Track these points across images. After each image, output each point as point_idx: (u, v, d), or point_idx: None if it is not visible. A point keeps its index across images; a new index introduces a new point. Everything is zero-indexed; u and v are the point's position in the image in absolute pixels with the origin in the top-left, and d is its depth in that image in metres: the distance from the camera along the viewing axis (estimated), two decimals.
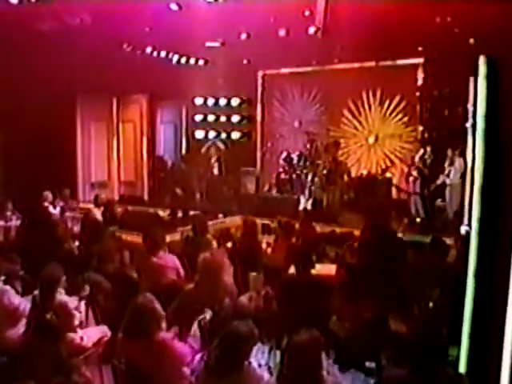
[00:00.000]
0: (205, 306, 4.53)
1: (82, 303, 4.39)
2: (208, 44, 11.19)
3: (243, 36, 10.68)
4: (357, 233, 8.30)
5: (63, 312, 4.16)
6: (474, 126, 3.08)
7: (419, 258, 6.06)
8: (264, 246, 7.31)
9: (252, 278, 5.32)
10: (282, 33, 10.66)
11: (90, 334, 4.38)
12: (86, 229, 6.81)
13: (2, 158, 10.42)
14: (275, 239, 7.18)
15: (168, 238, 7.84)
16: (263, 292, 4.98)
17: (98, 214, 9.15)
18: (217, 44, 11.15)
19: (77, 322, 4.25)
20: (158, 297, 5.08)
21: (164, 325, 3.45)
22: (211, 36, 11.07)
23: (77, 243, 6.72)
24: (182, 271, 5.50)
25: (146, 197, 12.29)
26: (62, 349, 3.93)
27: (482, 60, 3.01)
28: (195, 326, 3.84)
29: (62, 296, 4.32)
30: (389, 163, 11.78)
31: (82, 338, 4.29)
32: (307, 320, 4.28)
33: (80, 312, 4.37)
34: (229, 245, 7.04)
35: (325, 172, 10.00)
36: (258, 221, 8.96)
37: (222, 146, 12.27)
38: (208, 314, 3.91)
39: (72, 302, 4.31)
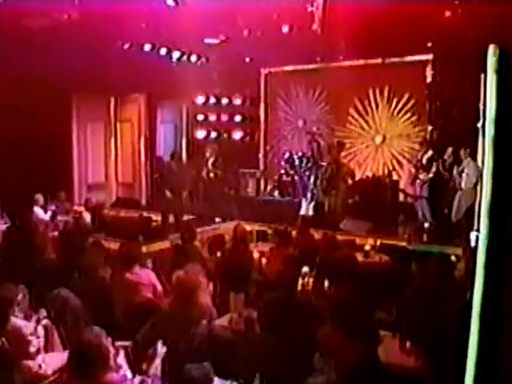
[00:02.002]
0: (179, 331, 4.14)
1: (40, 327, 3.98)
2: (207, 41, 10.80)
3: (245, 33, 10.32)
4: (359, 241, 7.88)
5: (17, 338, 3.76)
6: (484, 126, 2.51)
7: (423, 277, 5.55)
8: (257, 255, 6.89)
9: (233, 298, 4.86)
10: (285, 29, 10.29)
11: (51, 361, 3.97)
12: (64, 237, 6.40)
13: None
14: (271, 249, 6.74)
15: (157, 246, 7.57)
16: (246, 313, 4.55)
17: (88, 218, 8.81)
18: (216, 41, 10.77)
19: (33, 349, 3.83)
20: (130, 317, 4.81)
21: (114, 363, 3.01)
22: (212, 33, 10.72)
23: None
24: (159, 288, 5.07)
25: (143, 199, 11.91)
26: (17, 378, 3.57)
27: (491, 51, 2.44)
28: (157, 362, 3.40)
29: (16, 320, 3.92)
30: (396, 165, 11.29)
31: (40, 366, 3.89)
32: (291, 352, 3.86)
33: (38, 337, 3.95)
34: (219, 254, 6.65)
35: (326, 175, 9.50)
36: (256, 227, 8.61)
37: (218, 146, 11.78)
38: (161, 348, 3.46)
39: (27, 326, 3.90)
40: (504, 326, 2.35)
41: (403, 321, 4.76)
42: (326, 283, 5.54)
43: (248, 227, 8.64)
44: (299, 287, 5.62)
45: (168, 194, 10.95)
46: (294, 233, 7.33)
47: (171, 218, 8.83)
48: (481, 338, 2.33)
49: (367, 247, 6.95)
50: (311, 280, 5.53)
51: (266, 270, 5.77)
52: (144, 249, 7.24)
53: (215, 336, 3.94)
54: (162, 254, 6.95)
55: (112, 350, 2.96)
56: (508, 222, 2.43)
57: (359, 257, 6.85)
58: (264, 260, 6.61)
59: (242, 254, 6.15)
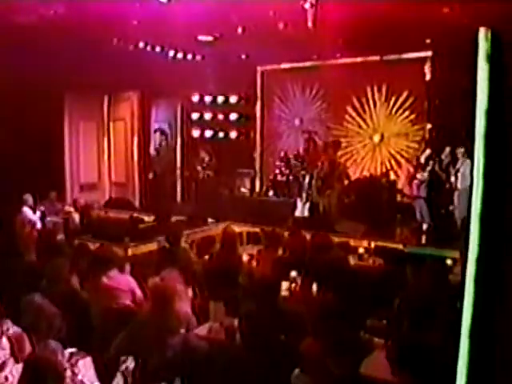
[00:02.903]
0: (153, 342, 3.92)
1: (5, 338, 3.76)
2: (200, 38, 10.57)
3: (240, 30, 10.09)
4: (353, 243, 7.65)
5: None
6: (474, 120, 2.22)
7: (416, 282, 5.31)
8: (247, 258, 6.66)
9: (213, 305, 4.64)
10: (280, 26, 10.07)
11: (17, 373, 3.76)
12: (43, 238, 6.18)
13: None
14: (258, 252, 6.51)
15: (145, 249, 7.35)
16: (227, 322, 4.33)
17: (77, 219, 8.62)
18: (209, 38, 10.53)
19: None
20: (106, 326, 4.58)
21: (71, 381, 2.78)
22: (206, 30, 10.49)
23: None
24: (139, 294, 4.84)
25: (137, 199, 11.68)
26: None
27: (482, 35, 2.18)
28: (119, 377, 3.17)
29: None
30: (395, 164, 11.04)
31: (6, 378, 3.68)
32: (270, 366, 3.64)
33: (4, 349, 3.74)
34: (207, 257, 6.44)
35: (321, 174, 9.26)
36: (249, 228, 8.38)
37: (212, 145, 11.55)
38: (130, 362, 3.23)
39: None
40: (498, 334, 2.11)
41: (393, 330, 4.54)
42: (315, 288, 5.34)
43: (241, 228, 8.46)
44: (286, 293, 5.43)
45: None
46: (286, 234, 7.14)
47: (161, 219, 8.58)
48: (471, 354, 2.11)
49: (361, 250, 6.71)
50: (298, 286, 5.32)
51: (251, 274, 5.52)
52: (130, 251, 7.09)
53: (189, 348, 3.73)
54: (147, 257, 6.73)
55: (68, 367, 2.73)
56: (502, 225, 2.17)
57: (352, 260, 6.66)
58: (253, 264, 6.41)
59: (230, 258, 5.91)
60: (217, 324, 4.38)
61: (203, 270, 6.04)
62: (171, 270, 4.42)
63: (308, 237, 7.08)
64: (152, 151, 9.09)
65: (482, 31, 2.13)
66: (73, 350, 3.85)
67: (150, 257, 6.74)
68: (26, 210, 9.01)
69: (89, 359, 3.60)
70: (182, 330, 4.14)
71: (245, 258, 6.65)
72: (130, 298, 4.80)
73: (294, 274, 5.59)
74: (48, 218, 9.19)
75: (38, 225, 8.86)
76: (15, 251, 6.32)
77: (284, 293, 5.41)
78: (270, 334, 3.89)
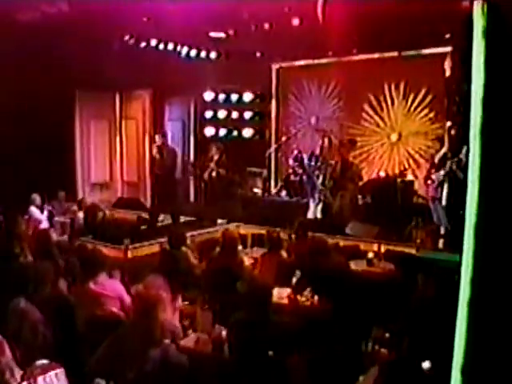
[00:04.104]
0: (134, 355, 3.69)
1: None
2: (212, 35, 10.36)
3: (255, 27, 9.88)
4: (363, 247, 7.33)
5: None
6: (468, 110, 1.87)
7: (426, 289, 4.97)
8: (250, 262, 6.40)
9: (200, 314, 4.39)
10: (295, 22, 9.81)
11: None
12: (39, 239, 6.01)
13: None
14: (261, 256, 6.25)
15: (147, 250, 7.15)
16: (215, 333, 4.07)
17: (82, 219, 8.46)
18: (221, 34, 10.32)
19: None
20: (91, 335, 4.37)
21: None
22: (220, 27, 10.29)
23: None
24: (127, 301, 4.60)
25: (148, 199, 11.51)
26: None
27: (478, 7, 1.89)
28: None
29: None
30: (413, 164, 10.65)
31: None
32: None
33: None
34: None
35: (334, 174, 8.93)
36: (257, 230, 8.10)
37: (224, 144, 11.28)
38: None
39: None
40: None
41: (399, 342, 4.24)
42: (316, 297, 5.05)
43: (252, 230, 8.20)
44: (285, 301, 5.16)
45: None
46: (293, 237, 6.87)
47: (168, 220, 8.37)
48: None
49: (370, 254, 6.38)
50: (298, 294, 5.05)
51: (250, 280, 5.25)
52: (130, 253, 6.89)
53: (169, 362, 3.48)
54: (147, 260, 6.53)
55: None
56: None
57: (361, 265, 6.34)
58: (255, 268, 6.15)
59: (229, 262, 5.65)
60: (205, 335, 4.13)
61: (201, 274, 5.82)
62: (155, 277, 4.17)
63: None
64: (154, 153, 8.91)
65: (477, 4, 1.83)
66: (44, 361, 3.67)
67: (150, 260, 6.52)
68: (34, 210, 8.93)
69: (60, 371, 3.40)
70: (167, 341, 3.92)
71: (248, 262, 6.43)
72: (117, 305, 4.57)
73: (295, 280, 5.32)
74: (56, 218, 9.09)
75: (45, 224, 8.78)
76: (12, 252, 6.17)
77: (284, 300, 5.16)
78: (258, 348, 3.63)
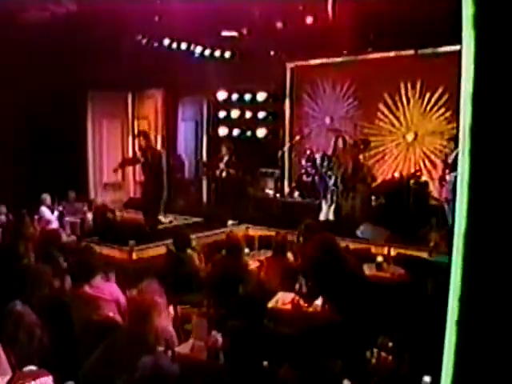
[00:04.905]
0: (127, 360, 3.59)
1: None
2: (224, 33, 10.24)
3: (269, 25, 9.75)
4: (375, 250, 7.15)
5: None
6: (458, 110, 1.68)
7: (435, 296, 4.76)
8: (256, 265, 6.28)
9: (195, 321, 4.27)
10: (310, 21, 9.67)
11: None
12: (40, 242, 5.95)
13: (6, 159, 9.88)
14: (266, 259, 6.12)
15: (153, 252, 7.07)
16: (211, 340, 3.95)
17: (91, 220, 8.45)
18: (234, 33, 10.20)
19: None
20: (85, 339, 4.28)
21: None
22: (233, 25, 10.18)
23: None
24: (124, 304, 4.51)
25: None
26: None
27: None
28: None
29: None
30: (429, 164, 10.40)
31: None
32: None
33: None
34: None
35: (346, 175, 8.75)
36: (266, 232, 7.98)
37: (234, 144, 11.14)
38: None
39: None
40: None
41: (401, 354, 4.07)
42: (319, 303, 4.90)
43: (258, 232, 8.09)
44: (289, 306, 5.02)
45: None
46: (301, 240, 6.71)
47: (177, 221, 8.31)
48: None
49: (379, 258, 6.19)
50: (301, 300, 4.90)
51: (253, 285, 5.12)
52: (134, 255, 6.82)
53: (160, 370, 3.37)
54: (152, 262, 6.44)
55: None
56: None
57: (371, 270, 6.17)
58: (261, 272, 6.02)
59: (232, 266, 5.52)
60: (200, 342, 4.01)
61: (205, 278, 5.71)
62: (151, 282, 4.07)
63: None
64: (138, 156, 8.75)
65: None
66: (32, 368, 3.60)
67: (155, 262, 6.44)
68: (44, 210, 8.93)
69: (48, 379, 3.33)
70: (161, 348, 3.81)
71: (254, 265, 6.31)
72: (114, 308, 4.49)
73: (298, 286, 5.18)
74: (66, 218, 9.08)
75: (55, 225, 8.77)
76: (17, 252, 6.13)
77: (287, 306, 5.02)
78: (251, 357, 3.51)
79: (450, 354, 1.65)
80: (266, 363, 3.57)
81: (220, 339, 3.86)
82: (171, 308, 4.40)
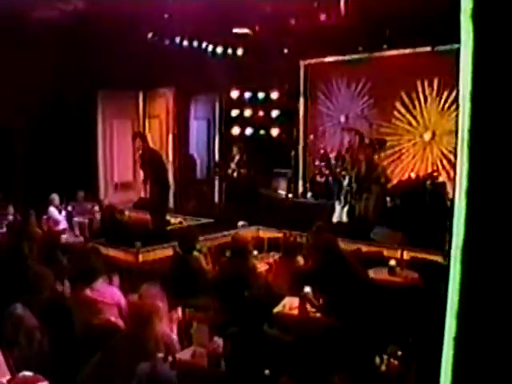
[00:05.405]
0: (130, 365, 3.43)
1: None
2: (235, 31, 10.06)
3: (282, 22, 9.56)
4: (388, 253, 6.89)
5: None
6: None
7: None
8: (265, 268, 6.08)
9: (196, 327, 4.08)
10: (324, 17, 9.46)
11: None
12: (43, 243, 5.82)
13: (16, 158, 9.82)
14: (274, 261, 5.90)
15: (159, 254, 6.91)
16: (212, 346, 3.77)
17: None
18: (245, 30, 10.01)
19: None
20: (86, 342, 4.13)
21: None
22: (245, 22, 10.00)
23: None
24: (125, 308, 4.33)
25: (171, 199, 11.27)
26: None
27: None
28: None
29: None
30: (447, 164, 10.09)
31: None
32: None
33: None
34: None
35: (359, 176, 8.50)
36: (276, 234, 7.76)
37: (245, 143, 10.94)
38: None
39: None
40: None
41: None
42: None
43: (268, 234, 7.88)
44: (296, 312, 4.81)
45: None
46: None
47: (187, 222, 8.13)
48: None
49: (392, 262, 5.94)
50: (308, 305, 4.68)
51: (254, 290, 4.91)
52: (141, 257, 6.66)
53: (157, 377, 3.19)
54: (158, 264, 6.27)
55: None
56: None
57: (383, 274, 5.92)
58: (269, 275, 5.82)
59: (237, 269, 5.32)
60: (201, 348, 3.82)
61: (211, 281, 5.52)
62: (150, 286, 3.89)
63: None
64: (137, 158, 8.59)
65: None
66: (28, 373, 3.49)
67: (161, 264, 6.27)
68: (52, 210, 8.82)
69: None
70: (161, 355, 3.64)
71: (263, 268, 6.10)
72: (115, 313, 4.33)
73: (307, 289, 4.96)
74: (75, 219, 8.97)
75: (63, 225, 8.67)
76: (21, 253, 6.02)
77: (294, 311, 4.82)
78: (253, 366, 3.31)
79: (447, 372, 1.46)
80: (267, 371, 3.39)
81: (221, 346, 3.68)
82: (177, 311, 4.20)
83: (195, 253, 5.98)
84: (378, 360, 3.96)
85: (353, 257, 5.26)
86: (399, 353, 3.83)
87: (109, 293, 4.40)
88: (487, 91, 1.35)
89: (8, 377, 3.75)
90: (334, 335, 4.09)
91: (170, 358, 3.65)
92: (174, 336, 3.93)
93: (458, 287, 1.36)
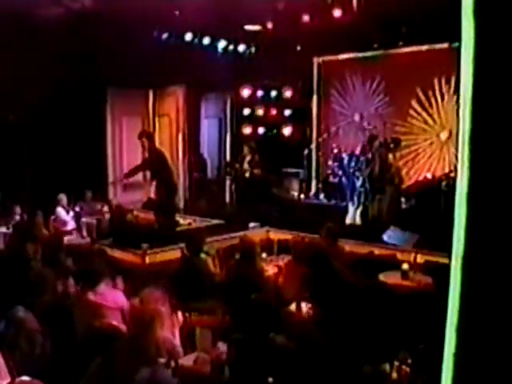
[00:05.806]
0: (130, 370, 3.26)
1: None
2: (247, 28, 9.87)
3: (295, 19, 9.37)
4: (401, 256, 6.64)
5: None
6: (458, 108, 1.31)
7: None
8: (274, 271, 5.87)
9: (199, 333, 3.89)
10: (338, 14, 9.26)
11: None
12: (46, 245, 5.67)
13: (24, 158, 9.72)
14: (286, 263, 5.70)
15: (167, 255, 6.73)
16: (215, 352, 3.58)
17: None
18: (257, 27, 9.81)
19: None
20: (86, 345, 3.97)
21: None
22: (257, 19, 9.81)
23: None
24: (128, 313, 4.16)
25: (181, 199, 11.10)
26: None
27: None
28: None
29: None
30: None
31: None
32: None
33: None
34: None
35: (373, 176, 8.24)
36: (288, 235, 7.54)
37: (256, 143, 10.72)
38: None
39: None
40: None
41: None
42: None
43: (278, 235, 7.67)
44: (305, 316, 4.59)
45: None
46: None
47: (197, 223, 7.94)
48: None
49: (405, 266, 5.69)
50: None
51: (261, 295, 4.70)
52: (147, 259, 6.49)
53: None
54: (165, 266, 6.09)
55: None
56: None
57: (396, 278, 5.68)
58: (279, 278, 5.61)
59: (245, 272, 5.12)
60: (205, 354, 3.64)
61: (217, 284, 5.33)
62: (152, 290, 3.71)
63: (347, 247, 6.25)
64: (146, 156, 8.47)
65: None
66: (25, 378, 3.36)
67: (169, 266, 6.09)
68: (59, 211, 8.70)
69: None
70: (163, 360, 3.47)
71: (272, 270, 5.91)
72: (117, 317, 4.16)
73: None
74: (83, 219, 8.83)
75: (71, 226, 8.54)
76: (25, 255, 5.89)
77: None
78: (257, 373, 3.12)
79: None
80: (270, 379, 3.20)
81: (225, 352, 3.48)
82: (180, 316, 4.02)
83: (202, 255, 5.80)
84: (387, 367, 3.78)
85: (344, 267, 5.01)
86: (409, 360, 3.61)
87: (112, 296, 4.26)
88: (487, 91, 1.27)
89: (8, 380, 3.64)
90: (336, 344, 3.88)
91: (173, 364, 3.49)
92: (177, 341, 3.74)
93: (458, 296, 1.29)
